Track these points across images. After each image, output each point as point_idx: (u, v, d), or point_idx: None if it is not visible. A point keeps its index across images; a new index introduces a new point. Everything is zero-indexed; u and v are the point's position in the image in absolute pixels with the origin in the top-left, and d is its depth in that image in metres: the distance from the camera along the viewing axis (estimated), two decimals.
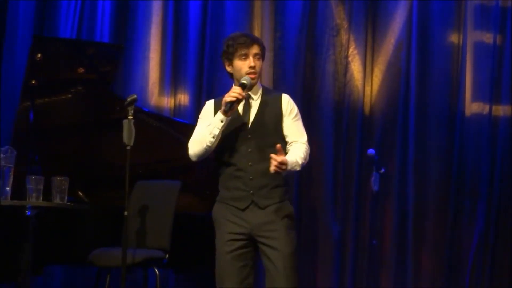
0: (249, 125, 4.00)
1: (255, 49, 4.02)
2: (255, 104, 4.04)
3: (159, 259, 5.29)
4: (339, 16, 7.39)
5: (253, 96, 4.05)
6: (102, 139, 6.04)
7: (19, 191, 5.12)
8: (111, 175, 5.94)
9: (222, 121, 3.91)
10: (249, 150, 3.97)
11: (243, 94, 3.91)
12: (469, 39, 7.28)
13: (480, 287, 7.08)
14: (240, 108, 4.01)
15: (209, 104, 4.11)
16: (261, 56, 4.05)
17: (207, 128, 3.94)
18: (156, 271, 5.27)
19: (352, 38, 7.31)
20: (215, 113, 4.00)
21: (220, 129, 3.92)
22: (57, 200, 5.06)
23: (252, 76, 3.98)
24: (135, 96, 4.82)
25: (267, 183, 3.97)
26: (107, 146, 5.95)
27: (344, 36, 7.36)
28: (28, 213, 4.98)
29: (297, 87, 7.29)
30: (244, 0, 7.42)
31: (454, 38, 7.36)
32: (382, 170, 6.41)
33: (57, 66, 5.92)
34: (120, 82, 6.94)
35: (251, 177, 3.96)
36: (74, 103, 6.09)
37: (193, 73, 7.36)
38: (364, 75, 7.32)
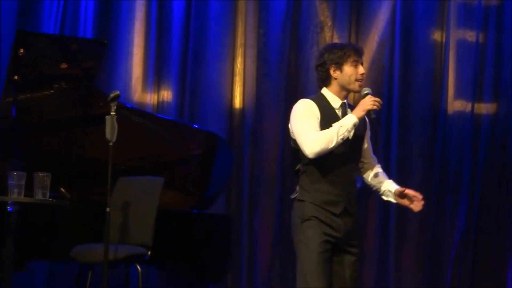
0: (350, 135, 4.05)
1: (363, 59, 4.13)
2: (349, 112, 4.07)
3: (141, 256, 5.28)
4: (323, 13, 7.40)
5: (348, 105, 4.12)
6: (85, 135, 6.02)
7: (1, 187, 5.10)
8: (93, 171, 5.92)
9: (355, 125, 3.94)
10: (346, 158, 4.03)
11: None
12: (452, 37, 7.31)
13: (461, 284, 7.11)
14: (340, 114, 4.05)
15: (311, 103, 4.06)
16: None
17: (337, 129, 3.91)
18: (138, 267, 5.26)
19: (335, 36, 7.32)
20: (321, 112, 4.01)
21: (350, 133, 3.96)
22: (39, 196, 5.04)
23: (360, 83, 4.08)
24: (118, 92, 4.82)
25: (354, 191, 4.08)
26: (89, 142, 5.94)
27: (327, 33, 7.37)
28: (9, 209, 4.96)
29: (281, 84, 7.30)
30: None
31: (437, 36, 7.39)
32: None
33: (40, 62, 5.89)
34: (103, 78, 6.91)
35: (346, 185, 4.03)
36: (57, 98, 6.07)
37: (177, 69, 7.34)
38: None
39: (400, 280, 7.20)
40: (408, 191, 4.11)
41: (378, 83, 7.34)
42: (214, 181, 6.41)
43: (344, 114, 4.05)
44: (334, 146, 3.90)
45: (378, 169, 4.24)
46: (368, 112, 3.95)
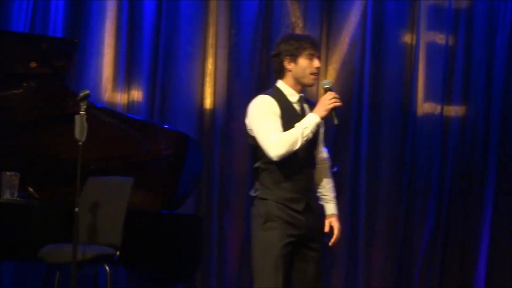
0: None
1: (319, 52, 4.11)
2: (307, 108, 4.06)
3: (110, 256, 5.26)
4: (294, 14, 7.42)
5: (304, 98, 4.10)
6: (54, 134, 5.98)
7: None
8: (62, 170, 5.88)
9: (318, 126, 3.92)
10: (306, 154, 4.01)
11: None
12: (422, 40, 7.36)
13: (430, 285, 7.16)
14: (298, 108, 4.03)
15: (270, 100, 4.01)
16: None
17: (301, 131, 3.88)
18: (107, 267, 5.23)
19: None
20: (280, 108, 3.96)
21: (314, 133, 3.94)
22: (7, 195, 5.03)
23: (315, 77, 4.06)
24: (88, 91, 4.80)
25: (313, 187, 4.12)
26: (59, 141, 5.90)
27: None
28: None
29: (252, 84, 7.30)
30: None
31: (407, 38, 7.43)
32: (335, 169, 6.42)
33: (9, 60, 5.85)
34: (73, 77, 6.89)
35: (307, 181, 4.03)
36: (26, 97, 6.03)
37: (147, 69, 7.32)
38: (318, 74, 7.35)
39: (369, 281, 7.23)
40: (334, 230, 4.16)
41: (348, 84, 7.37)
42: (184, 181, 6.40)
43: (302, 108, 4.02)
44: (298, 148, 3.88)
45: (325, 178, 4.22)
46: (331, 112, 3.91)
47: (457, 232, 7.22)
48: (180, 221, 6.17)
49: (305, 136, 3.88)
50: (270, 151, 3.89)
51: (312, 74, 4.01)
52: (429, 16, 7.39)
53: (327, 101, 3.90)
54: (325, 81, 4.03)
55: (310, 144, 4.01)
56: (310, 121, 3.90)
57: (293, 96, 4.03)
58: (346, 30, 7.41)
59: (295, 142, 3.87)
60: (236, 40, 7.41)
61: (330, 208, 4.20)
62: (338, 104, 3.90)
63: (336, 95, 3.92)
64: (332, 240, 4.16)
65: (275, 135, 3.89)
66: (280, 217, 3.94)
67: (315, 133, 3.98)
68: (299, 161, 3.98)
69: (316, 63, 4.02)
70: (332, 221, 4.16)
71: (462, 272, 7.22)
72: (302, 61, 4.00)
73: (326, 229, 4.15)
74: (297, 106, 4.03)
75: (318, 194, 4.20)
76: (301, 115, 4.00)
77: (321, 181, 4.20)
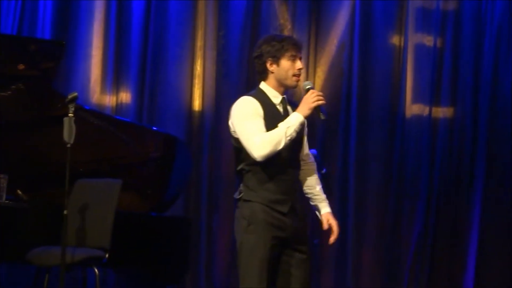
0: None
1: (301, 54, 4.05)
2: (290, 109, 4.01)
3: (99, 258, 5.24)
4: (283, 16, 7.43)
5: (287, 100, 4.04)
6: (43, 136, 5.97)
7: None
8: (51, 173, 5.87)
9: (302, 124, 3.86)
10: (290, 154, 3.95)
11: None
12: (410, 41, 7.38)
13: (418, 286, 7.17)
14: (281, 110, 3.98)
15: (253, 101, 3.96)
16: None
17: (285, 130, 3.82)
18: (96, 270, 5.22)
19: None
20: (264, 109, 3.91)
21: (297, 133, 3.88)
22: None
23: (298, 78, 3.98)
24: (76, 93, 4.78)
25: (297, 188, 4.02)
26: (47, 143, 5.88)
27: None
28: None
29: (240, 86, 7.30)
30: None
31: (395, 40, 7.45)
32: (324, 171, 6.45)
33: None
34: (61, 80, 6.86)
35: (292, 182, 3.96)
36: (14, 99, 6.00)
37: (136, 71, 7.32)
38: (307, 76, 7.37)
39: (358, 283, 7.24)
40: (333, 227, 4.09)
41: (337, 86, 7.38)
42: (173, 184, 6.39)
43: (285, 109, 3.98)
44: (282, 148, 3.82)
45: (314, 179, 4.15)
46: (315, 110, 3.86)
47: (445, 233, 7.24)
48: (169, 224, 6.16)
49: (289, 135, 3.82)
50: (254, 151, 3.84)
51: (294, 75, 3.96)
52: (417, 18, 7.42)
53: (310, 99, 3.85)
54: (306, 82, 3.97)
55: (294, 145, 3.95)
56: (293, 120, 3.85)
57: (276, 97, 3.99)
58: (334, 32, 7.43)
59: (278, 142, 3.81)
60: (224, 42, 7.42)
61: (324, 206, 4.14)
62: (321, 102, 3.84)
63: (319, 93, 3.87)
64: (333, 237, 4.10)
65: (258, 135, 3.83)
66: (265, 219, 3.89)
67: (299, 133, 3.93)
68: (283, 162, 3.92)
69: (299, 64, 3.96)
70: (329, 219, 4.10)
71: (451, 273, 7.24)
72: (284, 63, 3.95)
73: (325, 226, 4.10)
74: (280, 108, 3.98)
75: (308, 195, 4.14)
76: (284, 117, 3.94)
77: (310, 182, 4.15)
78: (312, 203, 4.14)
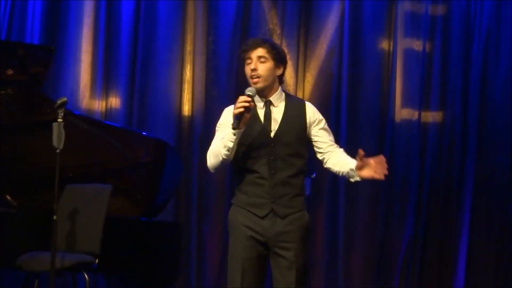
0: (273, 133, 3.97)
1: (259, 52, 4.00)
2: (278, 111, 4.01)
3: (88, 264, 5.24)
4: (272, 21, 7.43)
5: (274, 102, 4.02)
6: (32, 141, 5.96)
7: None
8: (40, 178, 5.86)
9: (234, 135, 3.83)
10: (272, 158, 3.93)
11: (251, 102, 3.82)
12: (399, 46, 7.39)
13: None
14: (261, 114, 3.98)
15: (228, 111, 4.02)
16: (270, 58, 3.99)
17: (221, 142, 3.87)
18: (86, 275, 5.21)
19: (284, 44, 7.35)
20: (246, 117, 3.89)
21: (234, 142, 3.85)
22: None
23: (254, 80, 3.96)
24: (65, 98, 4.78)
25: (287, 192, 3.95)
26: (36, 149, 5.87)
27: (276, 41, 7.37)
28: None
29: (229, 91, 7.30)
30: (178, 3, 7.40)
31: (384, 44, 7.46)
32: (313, 175, 6.46)
33: None
34: (50, 84, 6.85)
35: (272, 186, 3.93)
36: (3, 104, 6.00)
37: (125, 76, 7.31)
38: (296, 80, 7.38)
39: (349, 284, 7.24)
40: (367, 159, 3.91)
41: (326, 90, 7.39)
42: (163, 189, 6.38)
43: (268, 111, 3.98)
44: (226, 158, 3.87)
45: (337, 154, 4.10)
46: (235, 119, 3.80)
47: (435, 236, 7.26)
48: (159, 229, 6.16)
49: (225, 146, 3.86)
50: (207, 164, 3.98)
51: (251, 78, 3.99)
52: (406, 23, 7.44)
53: (234, 107, 3.85)
54: (248, 88, 3.95)
55: (277, 147, 3.93)
56: (227, 131, 3.87)
57: (259, 102, 4.02)
58: (323, 36, 7.43)
59: (217, 154, 3.89)
60: (213, 47, 7.41)
61: (351, 161, 4.02)
62: (240, 110, 3.78)
63: (245, 100, 3.81)
64: (382, 167, 3.91)
65: (210, 147, 3.97)
66: (241, 221, 3.95)
67: (285, 134, 3.93)
68: (264, 165, 3.93)
69: (249, 66, 4.00)
70: (365, 160, 3.92)
71: (441, 275, 7.25)
72: (246, 67, 4.04)
73: (367, 162, 3.91)
74: (262, 111, 4.00)
75: (342, 172, 4.03)
76: (266, 120, 3.97)
77: (332, 164, 4.08)
78: (345, 173, 4.02)
